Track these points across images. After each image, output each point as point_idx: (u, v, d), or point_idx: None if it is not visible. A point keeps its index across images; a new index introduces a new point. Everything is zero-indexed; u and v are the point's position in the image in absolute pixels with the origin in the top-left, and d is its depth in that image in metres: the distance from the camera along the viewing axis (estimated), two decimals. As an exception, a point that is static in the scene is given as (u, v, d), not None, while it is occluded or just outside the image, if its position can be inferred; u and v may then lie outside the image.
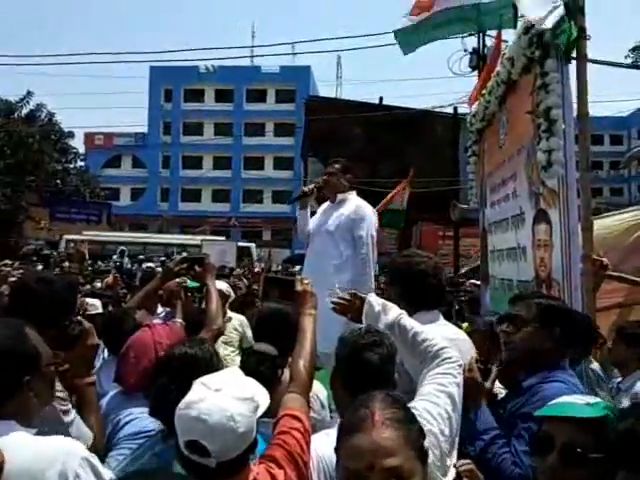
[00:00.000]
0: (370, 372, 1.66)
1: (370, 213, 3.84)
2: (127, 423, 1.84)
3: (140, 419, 1.81)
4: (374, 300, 1.98)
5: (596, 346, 2.79)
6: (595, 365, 2.98)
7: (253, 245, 20.98)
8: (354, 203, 3.82)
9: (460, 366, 1.82)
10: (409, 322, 1.90)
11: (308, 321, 1.98)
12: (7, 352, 1.39)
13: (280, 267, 16.31)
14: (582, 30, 3.08)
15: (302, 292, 2.07)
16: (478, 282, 5.83)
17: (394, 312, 1.93)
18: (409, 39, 5.34)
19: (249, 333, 4.32)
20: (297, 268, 11.28)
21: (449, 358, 1.77)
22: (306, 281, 2.13)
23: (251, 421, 1.36)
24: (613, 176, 40.83)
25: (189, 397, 1.37)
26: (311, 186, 4.09)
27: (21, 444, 1.29)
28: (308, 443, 1.60)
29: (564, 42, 2.93)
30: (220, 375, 1.48)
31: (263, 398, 1.44)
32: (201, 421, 1.30)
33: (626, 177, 40.66)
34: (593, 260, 3.02)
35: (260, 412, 1.40)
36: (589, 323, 2.27)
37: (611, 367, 3.23)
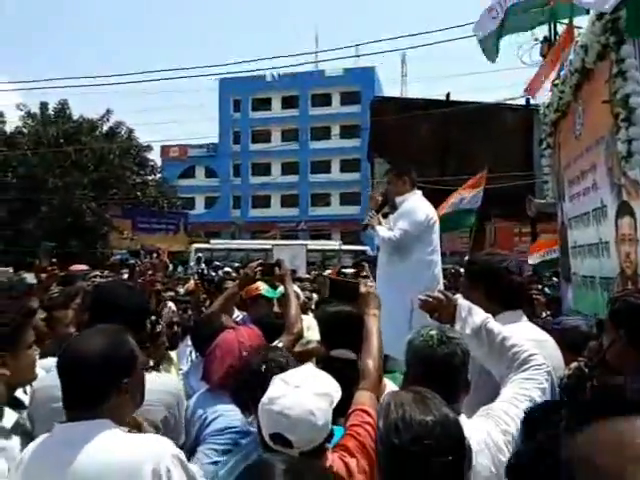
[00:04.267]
0: (444, 384, 1.63)
1: (415, 210, 3.82)
2: (214, 420, 1.94)
3: (226, 416, 1.91)
4: (462, 303, 1.95)
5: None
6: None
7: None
8: (405, 205, 3.90)
9: (548, 373, 1.78)
10: (496, 326, 1.87)
11: (373, 321, 2.03)
12: (110, 357, 1.49)
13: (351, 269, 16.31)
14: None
15: (366, 294, 2.12)
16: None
17: (480, 316, 1.90)
18: (491, 46, 5.27)
19: (311, 333, 4.39)
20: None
21: (538, 365, 1.75)
22: (370, 283, 2.19)
23: (328, 414, 1.46)
24: None
25: (271, 393, 1.47)
26: (371, 213, 4.14)
27: (117, 442, 1.40)
28: (376, 435, 1.66)
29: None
30: (298, 372, 1.57)
31: (337, 392, 1.53)
32: (284, 416, 1.41)
33: None
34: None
35: (335, 404, 1.49)
36: None
37: None
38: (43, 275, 4.01)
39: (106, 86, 27.28)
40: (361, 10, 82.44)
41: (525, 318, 2.28)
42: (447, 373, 1.65)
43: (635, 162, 2.77)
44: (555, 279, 7.24)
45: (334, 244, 21.09)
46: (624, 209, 2.99)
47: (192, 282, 6.43)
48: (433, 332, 1.74)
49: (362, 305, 2.10)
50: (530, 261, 8.92)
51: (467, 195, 8.62)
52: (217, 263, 17.92)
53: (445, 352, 1.68)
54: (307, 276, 10.93)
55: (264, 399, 1.47)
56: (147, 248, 15.75)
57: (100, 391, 1.46)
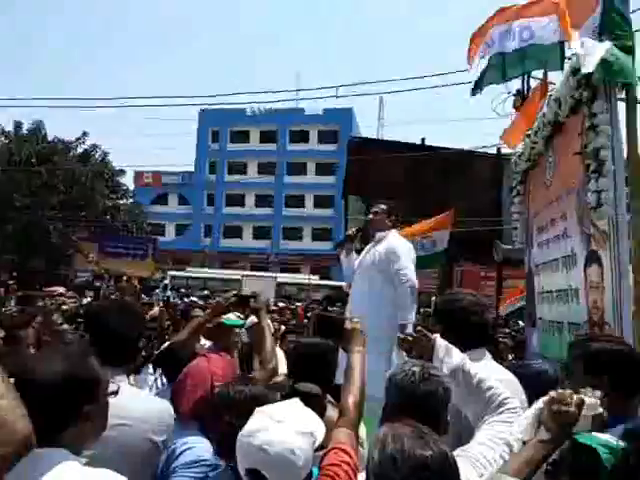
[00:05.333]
0: (424, 422, 1.64)
1: (406, 248, 3.96)
2: (183, 452, 1.85)
3: (196, 448, 1.84)
4: (439, 343, 1.95)
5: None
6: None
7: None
8: (390, 240, 3.96)
9: (519, 416, 1.78)
10: (473, 368, 1.88)
11: (357, 359, 1.99)
12: (69, 381, 1.37)
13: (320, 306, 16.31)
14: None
15: (352, 330, 2.08)
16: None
17: (458, 356, 1.91)
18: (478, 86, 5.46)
19: (281, 367, 4.34)
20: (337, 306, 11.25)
21: (512, 408, 1.77)
22: (355, 319, 2.16)
23: (309, 455, 1.39)
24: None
25: (251, 425, 1.41)
26: (353, 229, 4.25)
27: (67, 475, 1.27)
28: (356, 478, 1.60)
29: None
30: (281, 406, 1.51)
31: (320, 432, 1.47)
32: (263, 451, 1.34)
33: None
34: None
35: (317, 444, 1.43)
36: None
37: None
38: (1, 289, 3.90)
39: (85, 109, 27.12)
40: (342, 53, 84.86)
41: (489, 356, 2.30)
42: (428, 410, 1.62)
43: (603, 212, 2.86)
44: (521, 323, 7.35)
45: (314, 278, 21.07)
46: (592, 257, 3.07)
47: (157, 308, 6.31)
48: (416, 368, 1.73)
49: (347, 342, 2.05)
50: (501, 312, 9.09)
51: (436, 236, 8.77)
52: (183, 291, 17.67)
53: (427, 389, 1.67)
54: (274, 308, 10.84)
55: (243, 431, 1.40)
56: (112, 272, 15.42)
57: (58, 418, 1.34)
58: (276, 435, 1.36)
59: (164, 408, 1.97)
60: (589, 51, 2.97)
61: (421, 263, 9.02)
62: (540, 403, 1.53)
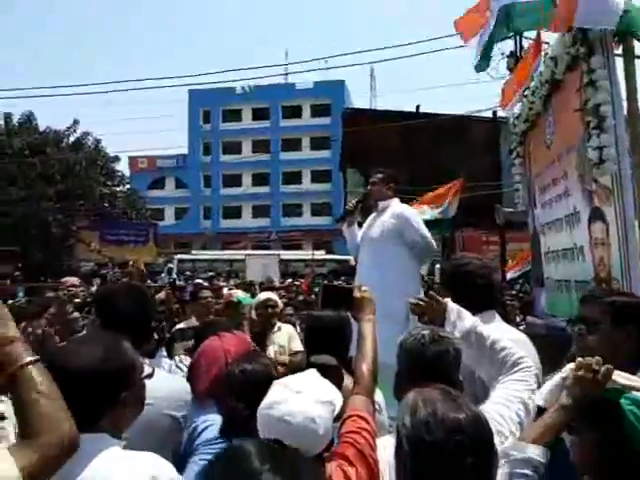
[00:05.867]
0: (438, 383, 1.66)
1: (414, 214, 3.89)
2: (205, 429, 1.88)
3: (215, 425, 1.86)
4: (451, 306, 1.96)
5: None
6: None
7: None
8: (396, 208, 3.85)
9: (536, 375, 1.81)
10: (485, 330, 1.89)
11: (368, 326, 2.00)
12: (106, 369, 1.37)
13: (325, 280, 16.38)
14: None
15: (361, 299, 2.08)
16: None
17: (470, 319, 1.92)
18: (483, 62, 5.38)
19: (294, 343, 4.37)
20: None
21: (527, 367, 1.78)
22: (364, 288, 2.15)
23: (330, 423, 1.41)
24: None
25: (271, 397, 1.42)
26: (353, 201, 4.16)
27: (113, 460, 1.30)
28: (374, 443, 1.63)
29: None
30: (300, 377, 1.52)
31: (338, 400, 1.48)
32: (284, 422, 1.35)
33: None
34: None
35: (336, 412, 1.45)
36: None
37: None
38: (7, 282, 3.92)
39: (73, 96, 26.79)
40: (329, 26, 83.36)
41: (499, 318, 2.32)
42: (440, 371, 1.63)
43: (606, 168, 2.86)
44: (527, 285, 7.40)
45: (318, 253, 21.08)
46: (596, 214, 3.08)
47: (164, 292, 6.34)
48: (425, 332, 1.74)
49: (357, 311, 2.06)
50: (508, 276, 9.12)
51: (442, 205, 8.77)
52: (188, 273, 17.73)
53: (437, 350, 1.68)
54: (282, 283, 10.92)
55: (263, 404, 1.42)
56: (116, 260, 15.44)
57: (97, 407, 1.35)
58: (296, 405, 1.38)
59: (181, 385, 2.01)
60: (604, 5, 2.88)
61: (433, 229, 9.02)
62: (567, 368, 1.52)
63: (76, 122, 25.35)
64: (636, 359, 1.86)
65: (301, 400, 1.39)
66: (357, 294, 2.09)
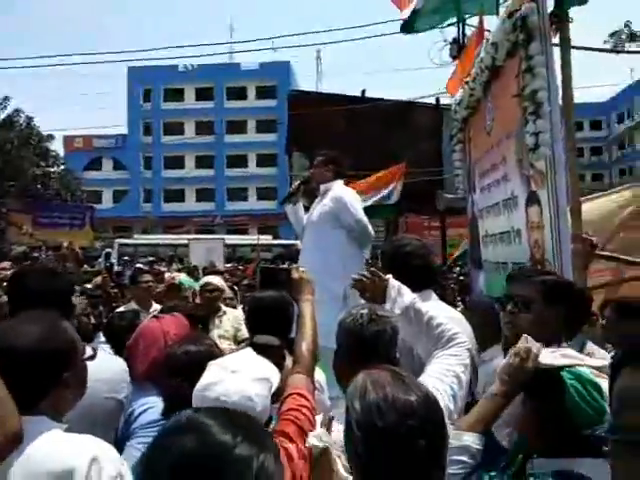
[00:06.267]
0: (376, 360, 1.67)
1: (352, 197, 3.81)
2: (142, 413, 1.85)
3: (155, 408, 1.82)
4: (392, 283, 2.00)
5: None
6: (590, 344, 3.00)
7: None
8: (336, 191, 3.82)
9: (469, 350, 1.88)
10: (423, 306, 1.94)
11: (307, 306, 2.03)
12: (47, 349, 1.34)
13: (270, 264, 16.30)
14: (566, 14, 3.15)
15: (299, 279, 2.10)
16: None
17: (409, 295, 1.96)
18: (411, 24, 5.40)
19: (243, 328, 4.35)
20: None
21: (461, 342, 1.85)
22: (302, 269, 2.17)
23: (267, 400, 1.42)
24: (594, 162, 41.38)
25: (206, 379, 1.41)
26: (296, 183, 4.14)
27: (52, 442, 1.27)
28: (315, 420, 1.65)
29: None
30: (234, 357, 1.53)
31: (275, 377, 1.50)
32: (220, 402, 1.35)
33: (607, 163, 41.30)
34: (583, 239, 3.09)
35: (274, 389, 1.46)
36: (587, 298, 2.32)
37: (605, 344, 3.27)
38: None
39: (4, 70, 25.21)
40: (276, 4, 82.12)
41: (435, 297, 2.39)
42: (377, 350, 1.66)
43: (541, 153, 2.95)
44: (463, 268, 7.63)
45: (264, 238, 20.88)
46: (532, 198, 3.18)
47: (100, 277, 6.16)
48: (363, 311, 1.77)
49: (295, 291, 2.09)
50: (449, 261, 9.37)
51: (386, 189, 8.83)
52: (126, 258, 17.23)
53: (375, 329, 1.71)
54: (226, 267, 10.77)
55: (199, 385, 1.41)
56: (49, 243, 14.77)
57: (37, 388, 1.31)
58: (232, 385, 1.38)
59: (122, 366, 1.98)
60: None
61: (370, 213, 9.11)
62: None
63: (7, 98, 23.95)
64: (559, 336, 1.96)
65: (237, 379, 1.40)
66: (295, 275, 2.11)
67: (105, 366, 1.86)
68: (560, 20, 3.18)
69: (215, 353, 1.84)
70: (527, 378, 1.46)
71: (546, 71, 2.96)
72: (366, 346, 1.68)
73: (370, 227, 3.75)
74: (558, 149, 2.95)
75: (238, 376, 1.40)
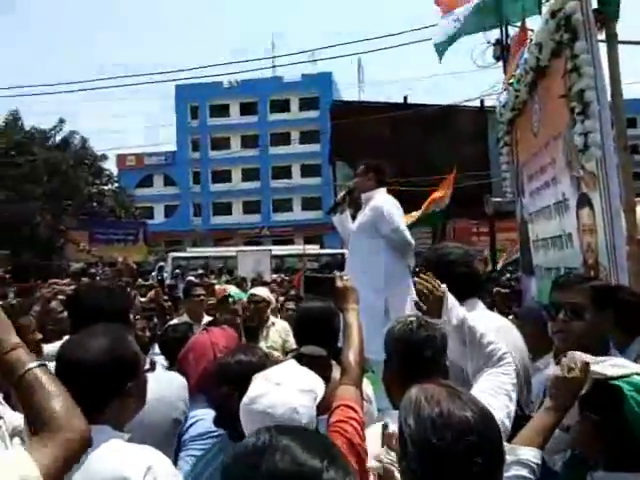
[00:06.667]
0: (426, 367, 1.64)
1: (390, 206, 3.73)
2: (192, 425, 1.89)
3: (204, 420, 1.86)
4: (448, 294, 1.95)
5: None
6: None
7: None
8: (377, 200, 3.77)
9: (516, 370, 1.85)
10: (476, 323, 1.90)
11: (352, 316, 2.00)
12: (114, 359, 1.41)
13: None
14: (615, 9, 3.05)
15: (343, 288, 2.07)
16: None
17: (461, 309, 1.92)
18: (443, 46, 5.40)
19: (291, 339, 4.38)
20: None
21: (510, 362, 1.82)
22: (346, 277, 2.14)
23: (312, 411, 1.42)
24: (650, 159, 39.53)
25: (252, 392, 1.42)
26: (342, 193, 4.14)
27: (112, 452, 1.32)
28: (363, 433, 1.64)
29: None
30: (279, 369, 1.53)
31: (320, 388, 1.49)
32: (267, 415, 1.36)
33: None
34: (638, 241, 2.96)
35: (318, 400, 1.45)
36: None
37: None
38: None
39: (59, 94, 26.52)
40: (316, 18, 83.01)
41: (482, 305, 2.33)
42: (427, 356, 1.64)
43: (591, 154, 2.86)
44: (515, 274, 7.42)
45: (312, 248, 21.05)
46: (583, 200, 3.08)
47: (153, 291, 6.32)
48: (412, 318, 1.76)
49: (340, 300, 2.05)
50: (499, 265, 9.16)
51: (440, 196, 8.80)
52: (177, 271, 17.68)
53: (425, 334, 1.69)
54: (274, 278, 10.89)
55: (245, 399, 1.42)
56: (105, 259, 15.34)
57: (102, 396, 1.38)
58: (277, 397, 1.39)
59: (179, 384, 2.01)
60: None
61: (420, 223, 9.03)
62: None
63: (62, 121, 25.19)
64: (608, 343, 1.89)
65: (282, 391, 1.40)
66: (339, 284, 2.08)
67: (165, 385, 1.91)
68: (605, 17, 3.09)
69: (266, 364, 1.86)
70: (578, 390, 1.41)
71: (593, 70, 2.87)
72: (416, 352, 1.65)
73: (408, 236, 3.68)
74: (609, 149, 2.85)
75: (283, 388, 1.41)
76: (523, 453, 1.41)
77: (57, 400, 1.15)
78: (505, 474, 1.35)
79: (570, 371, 1.43)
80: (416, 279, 2.05)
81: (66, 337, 1.99)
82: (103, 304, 1.96)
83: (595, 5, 3.04)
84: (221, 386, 1.77)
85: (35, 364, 1.18)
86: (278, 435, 0.91)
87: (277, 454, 0.87)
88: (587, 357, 1.46)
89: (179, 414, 1.94)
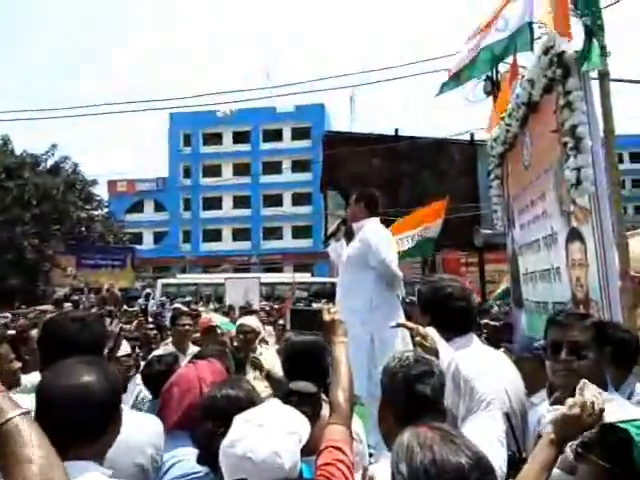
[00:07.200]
0: (424, 404, 1.59)
1: (378, 237, 3.72)
2: (172, 466, 1.78)
3: (186, 461, 1.76)
4: (437, 339, 1.93)
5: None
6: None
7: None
8: (366, 230, 3.77)
9: (509, 409, 1.82)
10: (461, 366, 1.87)
11: (341, 350, 1.95)
12: (108, 389, 1.34)
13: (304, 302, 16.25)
14: (603, 48, 3.10)
15: (330, 321, 2.02)
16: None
17: (449, 351, 1.89)
18: (449, 86, 5.48)
19: (278, 365, 4.29)
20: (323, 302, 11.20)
21: (496, 408, 1.79)
22: (333, 310, 2.09)
23: (296, 455, 1.34)
24: (636, 194, 40.20)
25: (232, 434, 1.35)
26: (336, 223, 4.13)
27: None
28: (352, 476, 1.56)
29: (595, 62, 2.92)
30: (261, 409, 1.46)
31: (305, 429, 1.42)
32: (247, 459, 1.29)
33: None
34: (632, 277, 2.95)
35: (303, 443, 1.38)
36: (636, 340, 2.20)
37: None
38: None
39: (51, 119, 26.59)
40: (310, 50, 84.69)
41: (477, 340, 2.28)
42: (425, 392, 1.58)
43: (584, 189, 2.86)
44: (504, 307, 7.39)
45: (304, 276, 20.99)
46: (574, 235, 3.07)
47: (136, 321, 6.20)
48: (409, 354, 1.71)
49: (328, 334, 2.00)
50: (490, 300, 9.11)
51: (430, 225, 8.70)
52: (162, 299, 17.49)
53: (422, 369, 1.63)
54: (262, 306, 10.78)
55: (225, 441, 1.35)
56: (91, 285, 15.15)
57: (100, 427, 1.30)
58: (259, 440, 1.31)
59: (152, 428, 1.87)
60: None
61: (411, 253, 8.94)
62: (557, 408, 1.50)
63: (54, 146, 25.13)
64: (606, 380, 1.85)
65: (263, 434, 1.33)
66: (326, 317, 2.03)
67: (135, 427, 1.74)
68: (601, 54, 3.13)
69: (254, 398, 1.79)
70: (588, 428, 1.37)
71: (585, 105, 2.90)
72: (413, 388, 1.58)
73: (395, 267, 3.65)
74: (601, 184, 2.86)
75: (264, 430, 1.34)
76: None
77: (39, 456, 1.04)
78: None
79: (583, 410, 1.38)
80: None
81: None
82: (74, 337, 1.85)
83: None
84: (206, 422, 1.70)
85: (17, 412, 1.06)
86: None
87: None
88: (599, 395, 1.42)
89: (145, 460, 1.76)
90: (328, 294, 12.37)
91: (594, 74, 3.10)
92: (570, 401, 1.45)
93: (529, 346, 2.73)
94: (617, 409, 1.38)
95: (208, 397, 1.77)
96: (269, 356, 4.70)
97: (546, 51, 3.17)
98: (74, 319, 1.95)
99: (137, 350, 5.17)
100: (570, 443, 1.43)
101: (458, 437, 1.11)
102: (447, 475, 1.01)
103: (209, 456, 1.63)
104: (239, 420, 1.39)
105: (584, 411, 1.39)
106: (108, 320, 2.56)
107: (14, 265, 21.19)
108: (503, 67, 10.01)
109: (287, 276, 20.64)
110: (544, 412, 2.02)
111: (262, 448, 1.30)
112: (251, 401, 1.72)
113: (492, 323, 6.04)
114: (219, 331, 4.48)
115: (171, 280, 22.54)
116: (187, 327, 4.61)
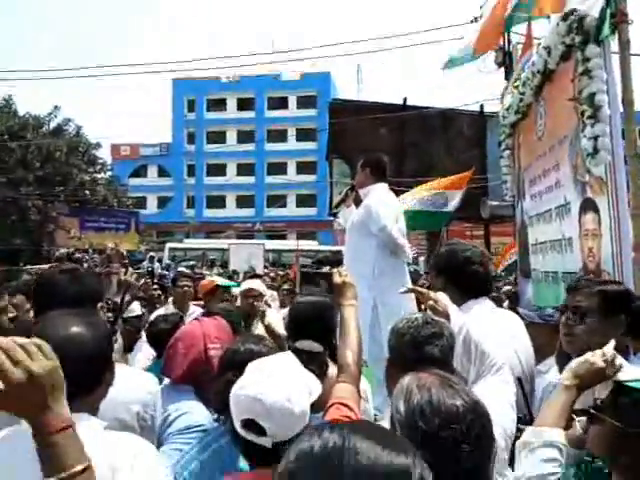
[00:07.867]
0: (432, 365, 1.60)
1: (380, 204, 3.67)
2: (177, 418, 1.80)
3: (189, 413, 1.78)
4: (449, 304, 1.91)
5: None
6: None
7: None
8: (370, 197, 3.73)
9: (517, 378, 1.86)
10: (472, 331, 1.85)
11: (350, 311, 1.95)
12: (103, 340, 1.33)
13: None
14: (624, 15, 3.00)
15: (341, 284, 2.02)
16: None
17: (460, 316, 1.87)
18: (458, 61, 5.38)
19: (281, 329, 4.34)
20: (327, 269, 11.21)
21: (507, 372, 1.80)
22: (344, 272, 2.09)
23: (306, 403, 1.35)
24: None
25: (244, 379, 1.37)
26: (344, 190, 4.10)
27: (95, 440, 1.19)
28: None
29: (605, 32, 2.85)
30: (274, 359, 1.47)
31: (314, 385, 1.43)
32: (258, 401, 1.30)
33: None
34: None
35: (313, 399, 1.39)
36: None
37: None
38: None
39: (55, 80, 26.26)
40: (316, 19, 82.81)
41: (492, 304, 2.29)
42: (433, 354, 1.57)
43: (600, 158, 2.81)
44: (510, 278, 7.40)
45: (310, 243, 20.99)
46: (588, 205, 3.04)
47: (142, 281, 6.30)
48: (418, 315, 1.70)
49: (337, 296, 2.01)
50: (499, 270, 8.98)
51: (449, 195, 8.36)
52: (168, 262, 17.58)
53: (431, 331, 1.62)
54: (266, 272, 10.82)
55: (237, 385, 1.36)
56: (96, 247, 15.22)
57: (94, 379, 1.29)
58: (270, 385, 1.33)
59: (142, 384, 1.82)
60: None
61: (427, 221, 8.65)
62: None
63: (57, 108, 24.91)
64: (625, 347, 1.85)
65: (276, 380, 1.34)
66: (337, 279, 2.03)
67: (123, 385, 1.64)
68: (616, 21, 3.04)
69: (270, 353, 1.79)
70: (600, 380, 1.41)
71: (604, 73, 2.83)
72: (421, 349, 1.58)
73: (395, 234, 3.61)
74: (619, 154, 2.81)
75: (277, 377, 1.35)
76: (549, 435, 1.40)
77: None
78: (534, 457, 1.36)
79: (604, 362, 1.42)
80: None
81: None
82: (64, 289, 1.81)
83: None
84: (226, 372, 1.69)
85: (81, 467, 0.94)
86: (350, 434, 0.78)
87: (357, 456, 0.75)
88: (621, 361, 1.45)
89: (129, 416, 1.69)
90: (332, 262, 12.38)
91: (615, 43, 3.03)
92: (589, 353, 1.47)
93: (529, 314, 2.74)
94: (633, 371, 1.39)
95: (230, 349, 1.77)
96: (272, 317, 4.74)
97: (565, 17, 3.08)
98: (63, 271, 1.92)
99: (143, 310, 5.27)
100: (578, 418, 1.45)
101: (456, 383, 1.14)
102: (442, 415, 1.04)
103: (223, 405, 1.64)
104: (252, 367, 1.41)
105: (602, 361, 1.43)
106: (123, 270, 2.56)
107: (18, 226, 21.27)
108: (515, 38, 9.80)
109: (293, 243, 20.67)
110: (552, 380, 2.04)
111: (273, 392, 1.31)
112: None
113: (514, 289, 6.06)
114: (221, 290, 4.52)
115: (178, 244, 22.62)
116: (186, 288, 4.76)
